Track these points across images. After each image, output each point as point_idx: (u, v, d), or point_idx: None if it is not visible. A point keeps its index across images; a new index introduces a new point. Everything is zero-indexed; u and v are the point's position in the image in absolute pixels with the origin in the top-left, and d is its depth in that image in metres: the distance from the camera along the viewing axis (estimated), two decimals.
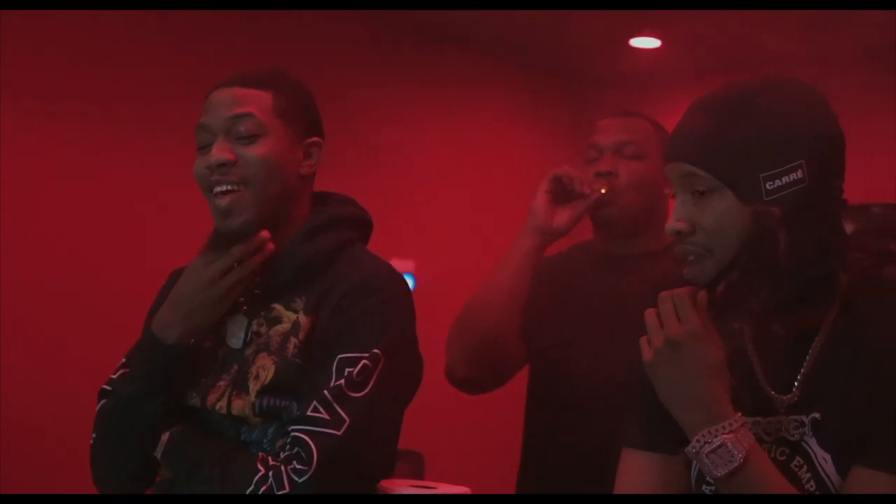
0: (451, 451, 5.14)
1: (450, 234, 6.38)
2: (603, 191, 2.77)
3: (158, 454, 2.12)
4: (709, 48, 6.13)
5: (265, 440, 2.10)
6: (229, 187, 2.12)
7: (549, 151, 6.65)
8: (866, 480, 1.73)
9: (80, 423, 2.47)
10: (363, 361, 2.03)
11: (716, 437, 1.75)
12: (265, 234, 2.13)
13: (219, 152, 2.12)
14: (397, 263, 6.11)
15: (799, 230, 1.76)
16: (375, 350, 2.05)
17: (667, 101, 4.84)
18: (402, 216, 6.18)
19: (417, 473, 4.95)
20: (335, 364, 2.04)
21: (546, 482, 2.84)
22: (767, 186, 1.75)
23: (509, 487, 2.98)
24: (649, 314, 1.85)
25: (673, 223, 1.83)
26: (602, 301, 2.81)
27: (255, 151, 2.13)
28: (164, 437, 2.12)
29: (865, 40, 5.96)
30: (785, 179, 1.75)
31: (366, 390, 2.02)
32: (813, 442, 1.80)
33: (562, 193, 2.81)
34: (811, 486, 1.79)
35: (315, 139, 2.23)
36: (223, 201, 2.13)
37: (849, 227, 5.89)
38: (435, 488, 2.04)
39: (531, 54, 6.62)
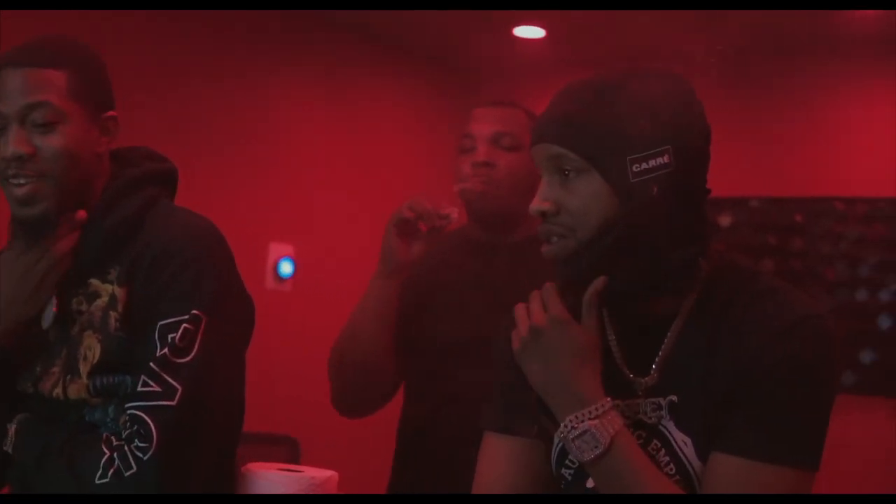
0: (327, 438, 5.11)
1: (332, 220, 6.37)
2: (455, 216, 2.73)
3: (9, 448, 2.08)
4: (593, 38, 6.17)
5: (108, 419, 2.06)
6: (26, 180, 2.05)
7: (434, 140, 6.66)
8: (724, 466, 1.74)
9: None
10: (184, 325, 1.99)
11: (581, 422, 1.76)
12: (81, 214, 2.08)
13: (16, 144, 2.04)
14: (277, 248, 6.15)
15: (662, 214, 1.78)
16: (194, 311, 2.00)
17: (550, 91, 4.85)
18: (284, 200, 6.14)
19: (293, 459, 4.93)
20: (157, 332, 2.00)
21: (421, 475, 2.83)
22: (634, 169, 1.76)
23: (385, 475, 2.96)
24: (518, 307, 1.87)
25: (538, 203, 1.83)
26: (476, 291, 2.80)
27: (54, 142, 2.05)
28: (11, 429, 2.09)
29: (737, 40, 6.04)
30: (652, 163, 1.76)
31: (192, 354, 1.98)
32: (671, 425, 1.81)
33: (412, 228, 2.74)
34: (670, 470, 1.79)
35: (110, 114, 2.15)
36: (20, 191, 2.05)
37: (727, 221, 6.05)
38: (303, 472, 2.03)
39: (416, 44, 6.62)
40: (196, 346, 1.99)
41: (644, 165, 1.76)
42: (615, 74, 1.83)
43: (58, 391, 2.07)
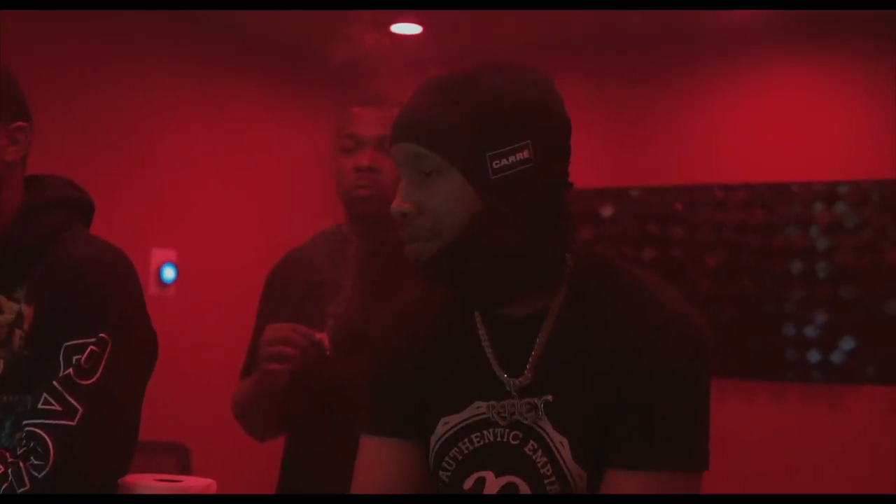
0: (218, 445, 5.07)
1: (213, 222, 6.32)
2: (321, 337, 2.67)
3: None
4: (470, 34, 6.18)
5: (3, 435, 2.03)
6: None
7: (314, 138, 6.62)
8: (621, 482, 1.74)
9: None
10: (90, 347, 1.98)
11: None
12: None
13: None
14: (159, 254, 6.09)
15: (525, 210, 1.76)
16: (101, 334, 2.00)
17: None
18: (164, 205, 6.09)
19: (184, 467, 4.87)
20: (62, 353, 1.99)
21: (309, 478, 2.82)
22: (494, 165, 1.73)
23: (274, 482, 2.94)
24: None
25: (398, 205, 1.80)
26: (357, 291, 2.78)
27: None
28: None
29: (610, 32, 6.09)
30: (511, 159, 1.74)
31: (96, 376, 1.97)
32: (548, 425, 1.80)
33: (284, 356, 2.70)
34: (547, 471, 1.79)
35: (19, 124, 2.13)
36: None
37: (608, 212, 6.10)
38: (181, 481, 2.00)
39: (291, 42, 6.57)
40: (100, 369, 1.98)
41: (504, 161, 1.73)
42: (471, 69, 1.80)
43: None
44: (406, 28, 6.19)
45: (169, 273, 6.08)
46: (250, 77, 6.63)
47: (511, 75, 1.79)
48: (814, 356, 5.90)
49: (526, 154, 1.74)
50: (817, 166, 5.99)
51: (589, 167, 6.45)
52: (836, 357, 5.86)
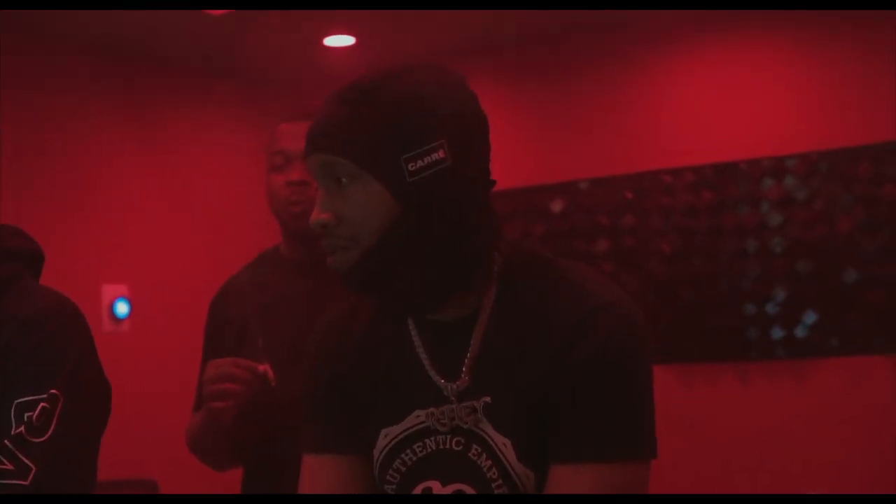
0: (185, 477, 5.00)
1: (163, 254, 6.28)
2: (264, 368, 2.61)
3: None
4: (403, 44, 6.16)
5: None
6: None
7: (254, 157, 6.59)
8: (565, 476, 1.70)
9: None
10: (41, 404, 1.92)
11: None
12: None
13: None
14: (111, 289, 6.03)
15: (446, 211, 1.73)
16: (53, 390, 1.93)
17: None
18: (111, 240, 6.03)
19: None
20: (13, 410, 1.92)
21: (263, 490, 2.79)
22: (410, 168, 1.70)
23: None
24: None
25: (316, 216, 1.77)
26: (298, 308, 2.74)
27: None
28: None
29: (539, 27, 6.08)
30: (427, 160, 1.70)
31: (48, 434, 1.91)
32: (489, 428, 1.76)
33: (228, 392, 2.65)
34: (493, 475, 1.76)
35: None
36: None
37: (558, 206, 6.11)
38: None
39: (225, 63, 6.56)
40: (52, 426, 1.91)
41: (419, 163, 1.70)
42: (379, 74, 1.76)
43: None
44: (339, 40, 6.18)
45: (122, 308, 6.03)
46: (184, 102, 6.59)
47: (420, 76, 1.76)
48: (776, 333, 5.90)
49: (441, 154, 1.70)
50: (763, 142, 5.99)
51: (535, 163, 6.46)
52: (799, 332, 5.85)
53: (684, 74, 6.22)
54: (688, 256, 6.11)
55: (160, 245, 6.29)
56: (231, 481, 3.13)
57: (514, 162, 6.40)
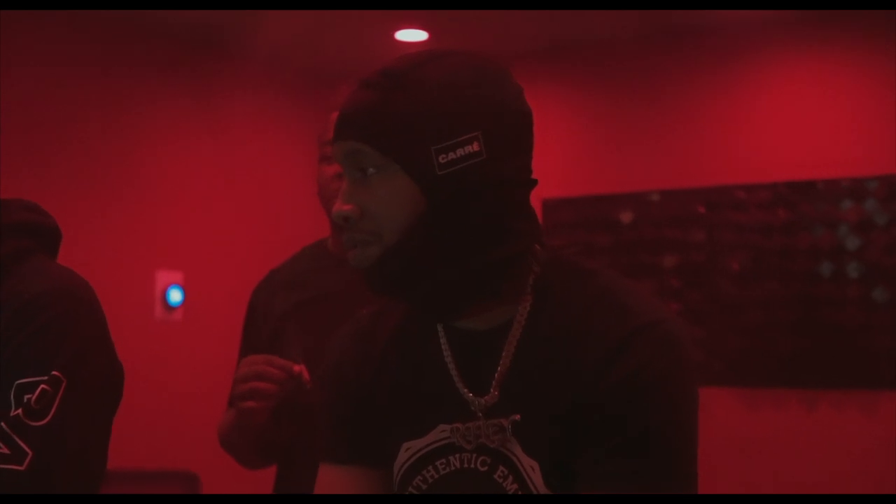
0: (227, 472, 4.90)
1: (218, 242, 6.26)
2: (299, 369, 2.53)
3: None
4: (475, 42, 6.08)
5: None
6: None
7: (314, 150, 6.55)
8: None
9: None
10: (42, 386, 1.85)
11: None
12: None
13: None
14: (165, 276, 5.99)
15: (476, 210, 1.61)
16: (54, 372, 1.87)
17: None
18: (168, 227, 6.00)
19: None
20: (13, 391, 1.85)
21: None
22: (440, 160, 1.58)
23: None
24: None
25: (339, 208, 1.65)
26: (337, 304, 2.63)
27: None
28: None
29: (625, 32, 5.98)
30: (459, 152, 1.58)
31: (47, 418, 1.84)
32: (517, 448, 1.65)
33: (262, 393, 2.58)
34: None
35: None
36: None
37: (628, 217, 5.95)
38: None
39: (291, 55, 6.53)
40: (53, 410, 1.85)
41: (451, 155, 1.58)
42: (413, 57, 1.65)
43: None
44: (411, 35, 6.12)
45: (175, 296, 5.97)
46: (246, 91, 6.57)
47: (457, 61, 1.64)
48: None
49: (475, 147, 1.59)
50: (843, 162, 5.84)
51: (604, 171, 6.38)
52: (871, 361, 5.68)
53: (764, 88, 6.08)
54: (758, 276, 5.94)
55: (217, 234, 6.27)
56: (271, 480, 3.03)
57: (582, 169, 6.33)
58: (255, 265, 3.33)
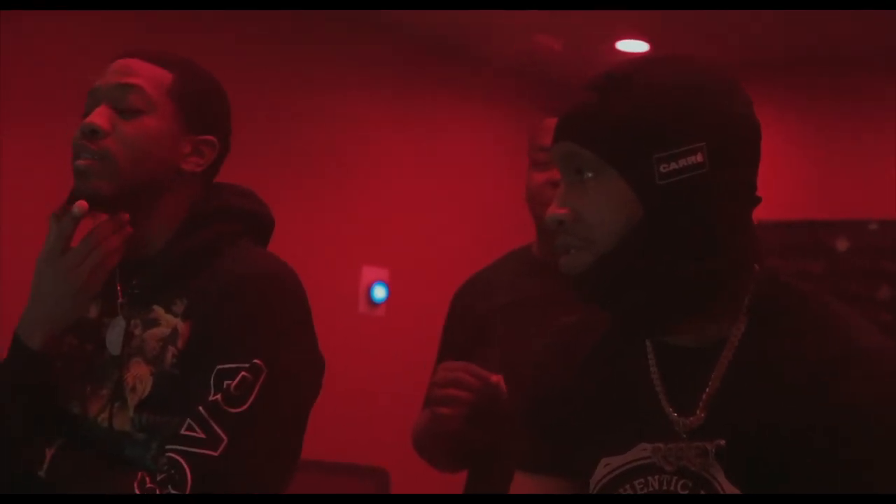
0: (419, 470, 4.92)
1: (425, 241, 6.29)
2: (497, 380, 2.50)
3: (43, 474, 1.93)
4: (696, 50, 5.98)
5: (147, 456, 1.93)
6: (89, 155, 1.96)
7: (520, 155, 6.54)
8: None
9: None
10: (242, 373, 1.87)
11: None
12: (124, 216, 1.97)
13: (95, 118, 1.97)
14: (370, 272, 6.06)
15: (695, 223, 1.56)
16: (256, 360, 1.89)
17: None
18: (377, 223, 6.06)
19: (382, 492, 4.77)
20: (213, 376, 1.87)
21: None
22: (661, 169, 1.54)
23: None
24: None
25: (553, 211, 1.62)
26: (542, 313, 2.59)
27: (129, 128, 1.97)
28: (48, 454, 1.94)
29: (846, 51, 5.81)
30: (682, 162, 1.54)
31: (245, 405, 1.87)
32: (720, 474, 1.59)
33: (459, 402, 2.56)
34: None
35: (208, 137, 2.05)
36: (81, 164, 1.97)
37: (843, 245, 5.75)
38: None
39: (508, 59, 6.50)
40: (251, 398, 1.88)
41: (673, 165, 1.54)
42: (637, 61, 1.62)
43: (104, 417, 1.97)
44: (632, 45, 6.06)
45: (380, 292, 6.03)
46: (453, 91, 6.57)
47: (684, 67, 1.60)
48: None
49: (699, 158, 1.55)
50: None
51: (820, 196, 6.22)
52: None
53: None
54: None
55: (424, 234, 6.29)
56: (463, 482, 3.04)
57: (796, 191, 6.17)
58: (461, 267, 3.33)
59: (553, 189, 2.58)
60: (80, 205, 1.94)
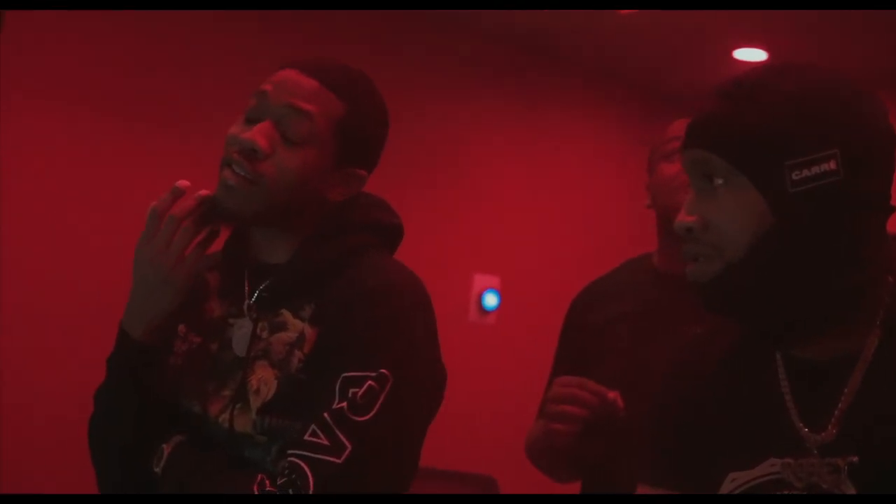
0: (526, 479, 4.91)
1: (538, 250, 6.29)
2: (613, 396, 2.45)
3: (159, 469, 1.95)
4: (816, 60, 5.88)
5: (268, 459, 1.94)
6: (244, 173, 1.93)
7: (636, 166, 6.52)
8: None
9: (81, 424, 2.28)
10: (369, 382, 1.87)
11: None
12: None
13: (258, 137, 1.94)
14: (482, 279, 6.05)
15: (827, 233, 1.53)
16: (383, 370, 1.88)
17: None
18: (490, 231, 6.05)
19: None
20: (339, 383, 1.86)
21: None
22: (793, 177, 1.52)
23: None
24: None
25: (682, 219, 1.60)
26: (655, 324, 2.58)
27: (290, 157, 1.94)
28: (166, 450, 1.96)
29: None
30: (814, 170, 1.52)
31: (370, 414, 1.86)
32: (851, 491, 1.55)
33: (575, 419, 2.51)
34: None
35: (361, 172, 2.05)
36: (231, 178, 1.94)
37: None
38: None
39: (623, 67, 6.48)
40: (376, 407, 1.87)
41: (805, 173, 1.52)
42: (769, 68, 1.60)
43: (224, 417, 1.97)
44: (750, 54, 6.00)
45: (491, 300, 6.01)
46: (568, 100, 6.54)
47: (817, 76, 1.58)
48: None
49: (832, 166, 1.52)
50: None
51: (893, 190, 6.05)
52: None
53: None
54: None
55: (537, 242, 6.26)
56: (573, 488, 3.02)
57: None
58: (575, 277, 3.31)
59: (682, 180, 2.57)
60: (182, 183, 1.95)
